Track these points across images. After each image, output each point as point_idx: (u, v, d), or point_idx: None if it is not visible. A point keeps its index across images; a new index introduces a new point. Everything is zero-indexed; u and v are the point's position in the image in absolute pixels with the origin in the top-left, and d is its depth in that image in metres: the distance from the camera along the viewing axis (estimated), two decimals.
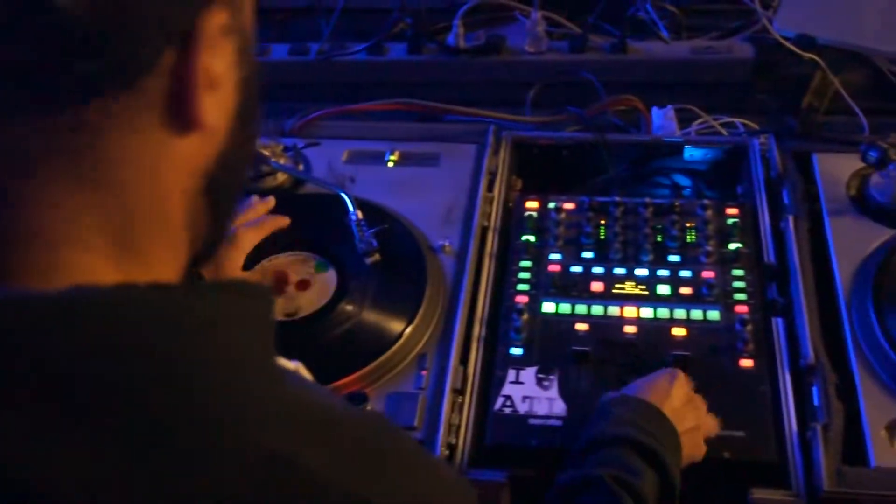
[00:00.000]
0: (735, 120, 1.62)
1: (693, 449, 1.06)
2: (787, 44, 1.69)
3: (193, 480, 0.46)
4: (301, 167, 1.48)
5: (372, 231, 1.29)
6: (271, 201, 1.36)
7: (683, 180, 1.53)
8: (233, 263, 1.23)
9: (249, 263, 1.29)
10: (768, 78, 1.77)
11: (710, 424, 1.10)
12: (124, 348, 0.46)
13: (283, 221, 1.34)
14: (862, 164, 1.38)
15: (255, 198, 1.36)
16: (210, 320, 0.50)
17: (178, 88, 0.50)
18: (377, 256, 1.29)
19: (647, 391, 1.07)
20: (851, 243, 1.30)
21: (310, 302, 1.28)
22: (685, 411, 1.07)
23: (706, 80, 1.78)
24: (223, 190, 0.58)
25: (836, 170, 1.41)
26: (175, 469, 0.46)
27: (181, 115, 0.51)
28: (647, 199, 1.38)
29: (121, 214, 0.51)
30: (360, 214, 1.31)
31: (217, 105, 0.53)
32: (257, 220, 1.31)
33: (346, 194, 1.32)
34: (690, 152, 1.50)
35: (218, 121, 0.54)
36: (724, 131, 1.57)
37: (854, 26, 1.52)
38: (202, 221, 0.57)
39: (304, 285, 1.30)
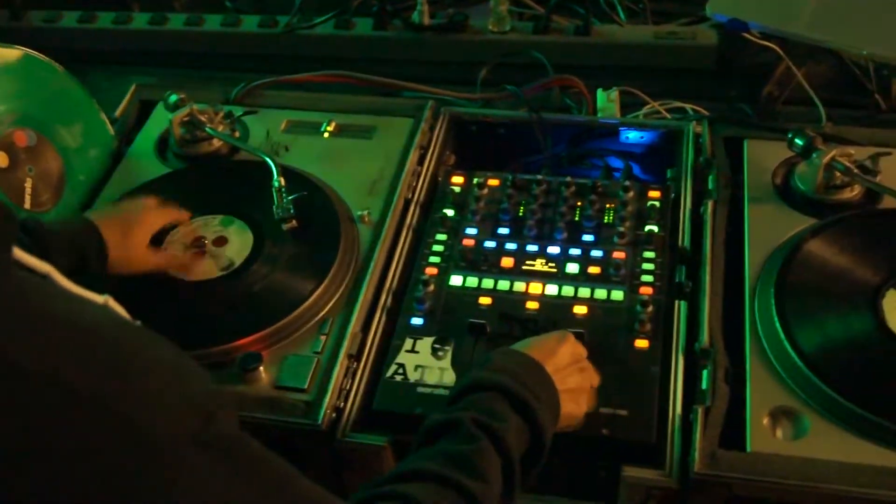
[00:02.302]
0: (685, 105, 1.61)
1: (573, 408, 1.06)
2: (749, 35, 1.67)
3: None
4: (237, 134, 1.50)
5: (290, 198, 1.31)
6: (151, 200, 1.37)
7: (618, 163, 1.52)
8: (139, 241, 1.27)
9: None
10: (733, 65, 1.76)
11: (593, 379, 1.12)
12: None
13: (184, 215, 1.37)
14: (792, 153, 1.36)
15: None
16: None
17: None
18: (293, 223, 1.31)
19: (533, 347, 1.07)
20: (767, 231, 1.29)
21: (237, 252, 1.31)
22: (569, 371, 1.07)
23: (670, 66, 1.77)
24: None
25: (767, 157, 1.40)
26: None
27: None
28: (570, 179, 1.38)
29: None
30: (282, 181, 1.33)
31: None
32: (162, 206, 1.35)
33: (273, 162, 1.34)
34: (626, 135, 1.49)
35: None
36: (668, 116, 1.56)
37: (784, 13, 1.50)
38: None
39: (221, 241, 1.32)
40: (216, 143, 1.48)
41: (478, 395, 0.98)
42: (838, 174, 1.30)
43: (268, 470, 0.65)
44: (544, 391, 1.01)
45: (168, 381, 0.59)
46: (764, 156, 1.40)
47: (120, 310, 0.74)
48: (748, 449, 1.07)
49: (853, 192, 1.32)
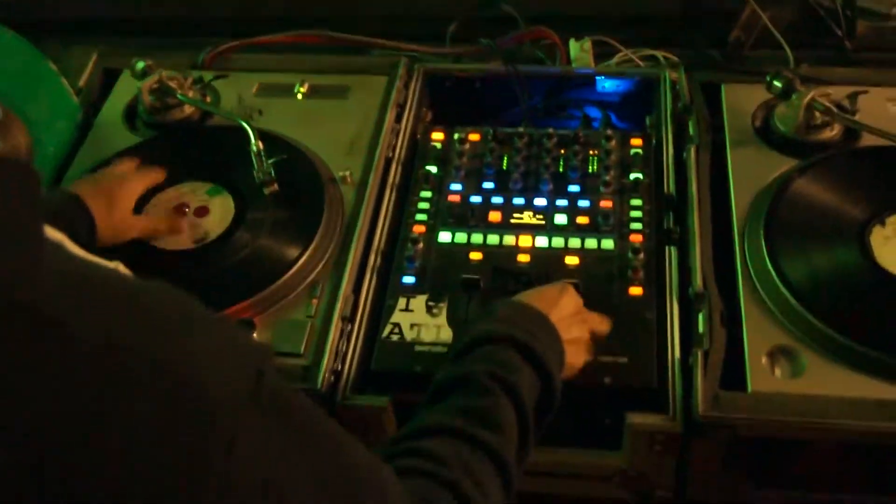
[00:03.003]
0: (656, 53, 1.60)
1: (574, 359, 1.06)
2: None
3: None
4: (209, 99, 1.47)
5: (270, 162, 1.29)
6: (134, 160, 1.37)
7: (596, 112, 1.52)
8: (124, 208, 1.25)
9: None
10: (699, 11, 1.76)
11: (600, 325, 1.12)
12: None
13: (161, 175, 1.35)
14: (771, 95, 1.37)
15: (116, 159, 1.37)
16: None
17: None
18: (275, 187, 1.29)
19: (534, 298, 1.06)
20: (751, 174, 1.30)
21: (215, 224, 1.28)
22: (571, 321, 1.07)
23: (636, 14, 1.76)
24: None
25: (745, 101, 1.40)
26: None
27: None
28: (551, 130, 1.38)
29: None
30: (260, 145, 1.30)
31: None
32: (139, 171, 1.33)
33: (249, 125, 1.31)
34: (603, 84, 1.49)
35: None
36: (641, 64, 1.56)
37: None
38: None
39: (202, 211, 1.30)
40: (187, 109, 1.45)
41: (488, 348, 0.96)
42: (818, 114, 1.31)
43: (319, 427, 0.63)
44: (551, 341, 1.01)
45: (217, 337, 0.57)
46: (742, 99, 1.41)
47: (130, 275, 0.72)
48: (749, 389, 1.08)
49: (833, 132, 1.33)
